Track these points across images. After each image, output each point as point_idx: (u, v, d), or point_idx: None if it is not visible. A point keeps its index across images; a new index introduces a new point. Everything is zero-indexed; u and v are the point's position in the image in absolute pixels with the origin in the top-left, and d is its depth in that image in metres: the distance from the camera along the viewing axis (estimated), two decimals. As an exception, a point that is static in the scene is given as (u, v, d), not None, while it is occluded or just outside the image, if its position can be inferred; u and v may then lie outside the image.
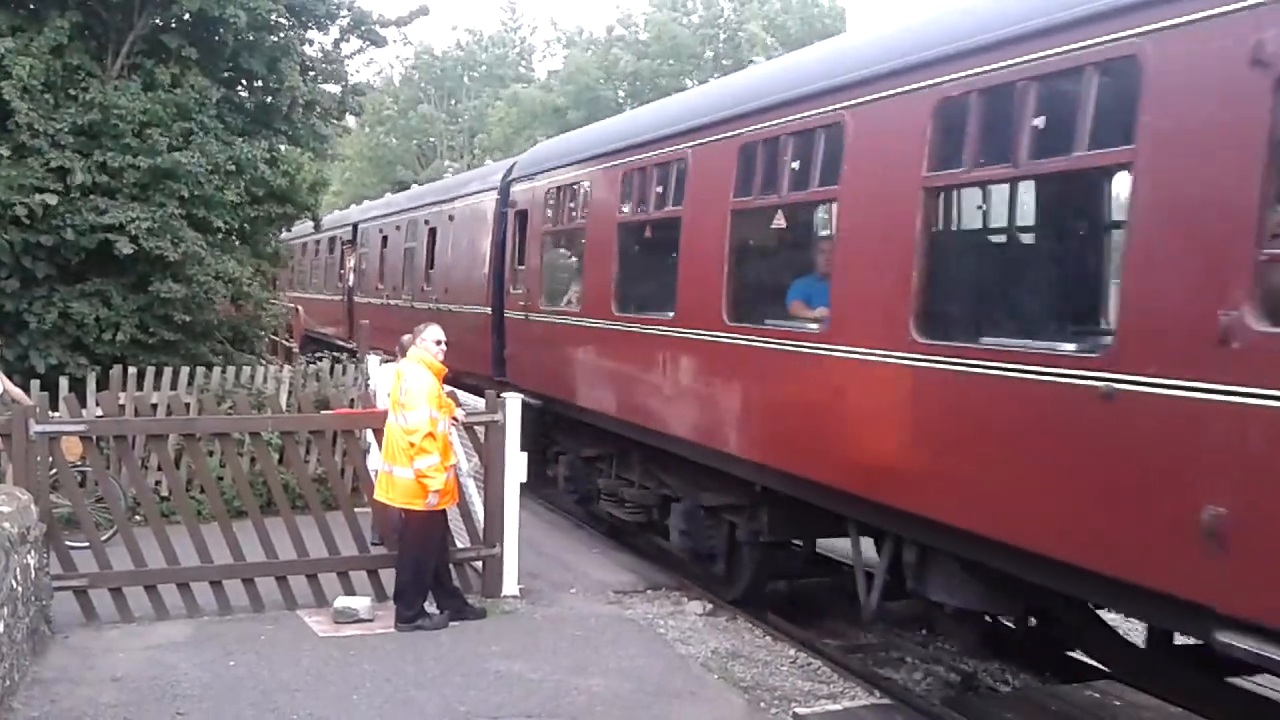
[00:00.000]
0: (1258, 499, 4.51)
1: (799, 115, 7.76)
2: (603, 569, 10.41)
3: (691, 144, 9.18)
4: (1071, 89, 5.53)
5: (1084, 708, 7.32)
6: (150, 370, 12.19)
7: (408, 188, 32.01)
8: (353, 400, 12.49)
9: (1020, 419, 5.80)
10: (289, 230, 17.87)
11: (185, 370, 12.39)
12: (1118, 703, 7.29)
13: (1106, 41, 5.29)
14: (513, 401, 9.26)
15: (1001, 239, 8.07)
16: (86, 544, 8.49)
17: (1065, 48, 5.52)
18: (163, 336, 13.16)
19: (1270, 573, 4.44)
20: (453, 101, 58.17)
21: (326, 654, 7.65)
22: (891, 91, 6.83)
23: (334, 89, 16.45)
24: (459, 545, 9.26)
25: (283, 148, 15.18)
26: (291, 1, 14.81)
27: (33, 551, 7.37)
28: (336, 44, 16.39)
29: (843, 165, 7.23)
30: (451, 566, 8.91)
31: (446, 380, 8.76)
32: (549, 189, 12.60)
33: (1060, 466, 5.53)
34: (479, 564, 9.28)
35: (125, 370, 12.01)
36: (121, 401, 10.61)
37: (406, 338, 9.25)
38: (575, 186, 11.95)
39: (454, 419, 8.83)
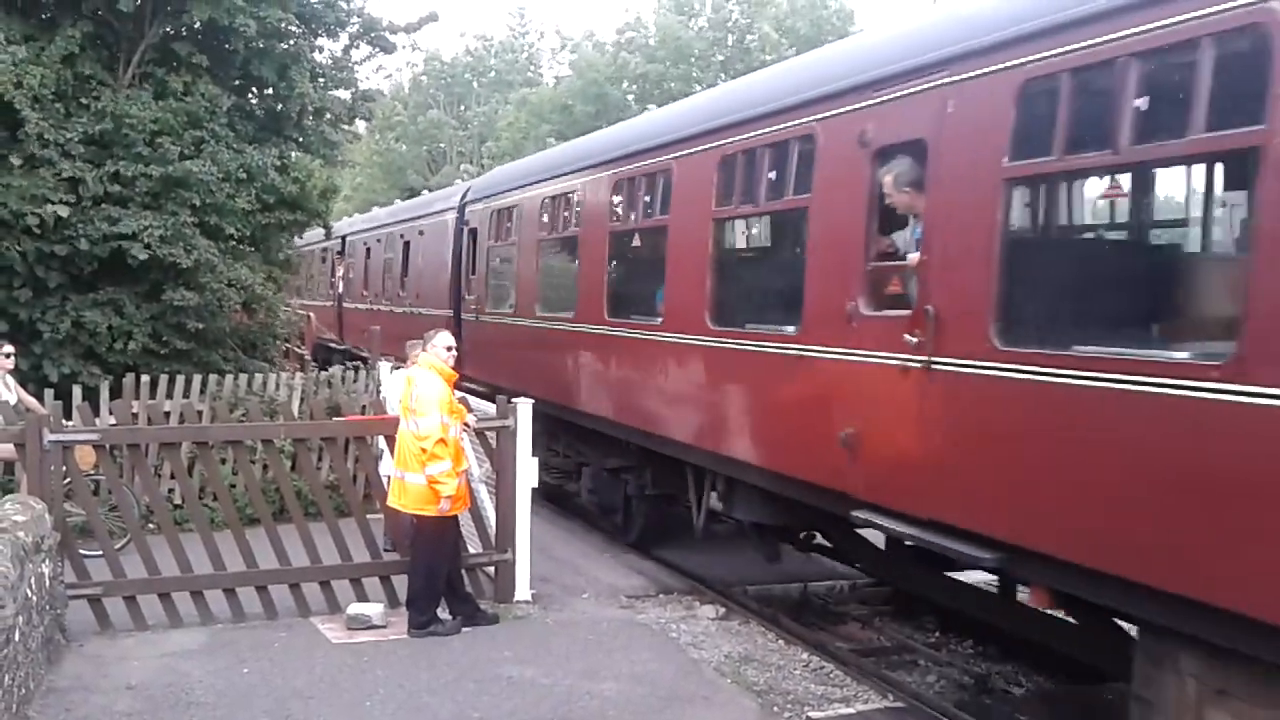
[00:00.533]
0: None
1: (647, 161, 10.45)
2: (614, 573, 10.42)
3: (581, 179, 11.90)
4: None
5: (1097, 709, 7.30)
6: (163, 378, 12.23)
7: (418, 194, 32.14)
8: (364, 407, 12.49)
9: (753, 379, 8.46)
10: (300, 237, 17.92)
11: (198, 378, 12.43)
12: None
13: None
14: (524, 407, 9.27)
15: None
16: (100, 552, 8.53)
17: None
18: (175, 345, 13.21)
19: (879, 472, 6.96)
20: (462, 107, 58.30)
21: (340, 661, 7.66)
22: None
23: (344, 95, 16.49)
24: (471, 551, 9.27)
25: (293, 155, 15.23)
26: (301, 9, 14.87)
27: (47, 560, 7.40)
28: (346, 51, 16.43)
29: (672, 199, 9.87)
30: (464, 572, 8.93)
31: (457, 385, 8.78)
32: (492, 210, 14.85)
33: (774, 408, 8.24)
34: (491, 569, 9.30)
35: (138, 379, 12.05)
36: (134, 410, 10.65)
37: (413, 344, 9.28)
38: (511, 209, 14.18)
39: (465, 425, 8.84)
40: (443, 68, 58.28)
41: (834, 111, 7.54)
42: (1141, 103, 5.20)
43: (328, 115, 16.07)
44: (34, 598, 6.83)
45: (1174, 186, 7.56)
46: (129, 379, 11.93)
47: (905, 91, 6.81)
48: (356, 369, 14.08)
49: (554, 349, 12.28)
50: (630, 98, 43.25)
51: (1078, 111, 5.58)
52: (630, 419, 10.60)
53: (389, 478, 8.98)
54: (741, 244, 10.46)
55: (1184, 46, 5.03)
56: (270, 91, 15.26)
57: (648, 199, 10.56)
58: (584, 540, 11.93)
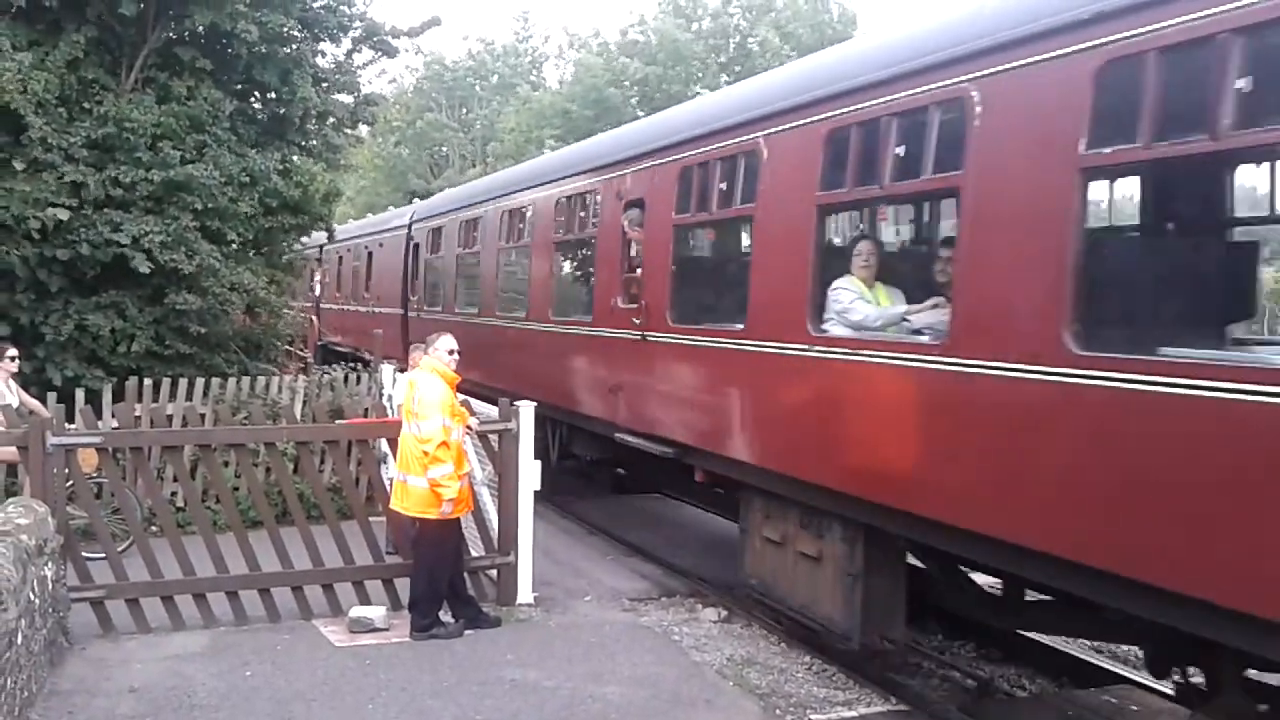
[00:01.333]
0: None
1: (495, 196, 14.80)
2: (616, 576, 10.41)
3: (489, 207, 15.21)
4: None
5: (1100, 712, 7.30)
6: (166, 381, 12.25)
7: (423, 197, 32.29)
8: (367, 410, 12.52)
9: (570, 353, 11.89)
10: (301, 243, 17.94)
11: (200, 381, 12.45)
12: (1135, 708, 7.27)
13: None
14: (526, 410, 9.27)
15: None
16: (103, 555, 8.54)
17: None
18: (178, 348, 13.22)
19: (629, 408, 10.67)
20: (464, 111, 58.34)
21: (342, 663, 7.67)
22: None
23: (346, 99, 16.51)
24: (473, 554, 9.27)
25: (296, 159, 15.24)
26: (304, 14, 14.89)
27: (50, 563, 7.42)
28: (349, 55, 16.47)
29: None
30: (466, 575, 8.93)
31: (460, 388, 8.79)
32: (429, 229, 18.50)
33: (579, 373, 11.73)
34: (493, 572, 9.30)
35: (141, 382, 12.07)
36: (137, 413, 10.65)
37: (416, 347, 9.29)
38: (440, 229, 17.78)
39: (468, 428, 8.85)
40: (445, 71, 58.32)
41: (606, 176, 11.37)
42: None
43: (330, 119, 16.10)
44: (36, 600, 6.84)
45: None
46: (131, 382, 11.95)
47: (636, 168, 10.62)
48: (358, 371, 14.09)
49: (474, 341, 14.23)
50: (633, 100, 43.26)
51: (700, 187, 9.31)
52: (513, 385, 12.75)
53: (392, 480, 8.98)
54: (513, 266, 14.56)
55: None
56: (273, 96, 15.28)
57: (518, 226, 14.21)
58: (586, 543, 11.93)
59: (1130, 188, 7.78)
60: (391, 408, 11.19)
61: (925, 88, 6.44)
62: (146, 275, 12.71)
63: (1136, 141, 5.11)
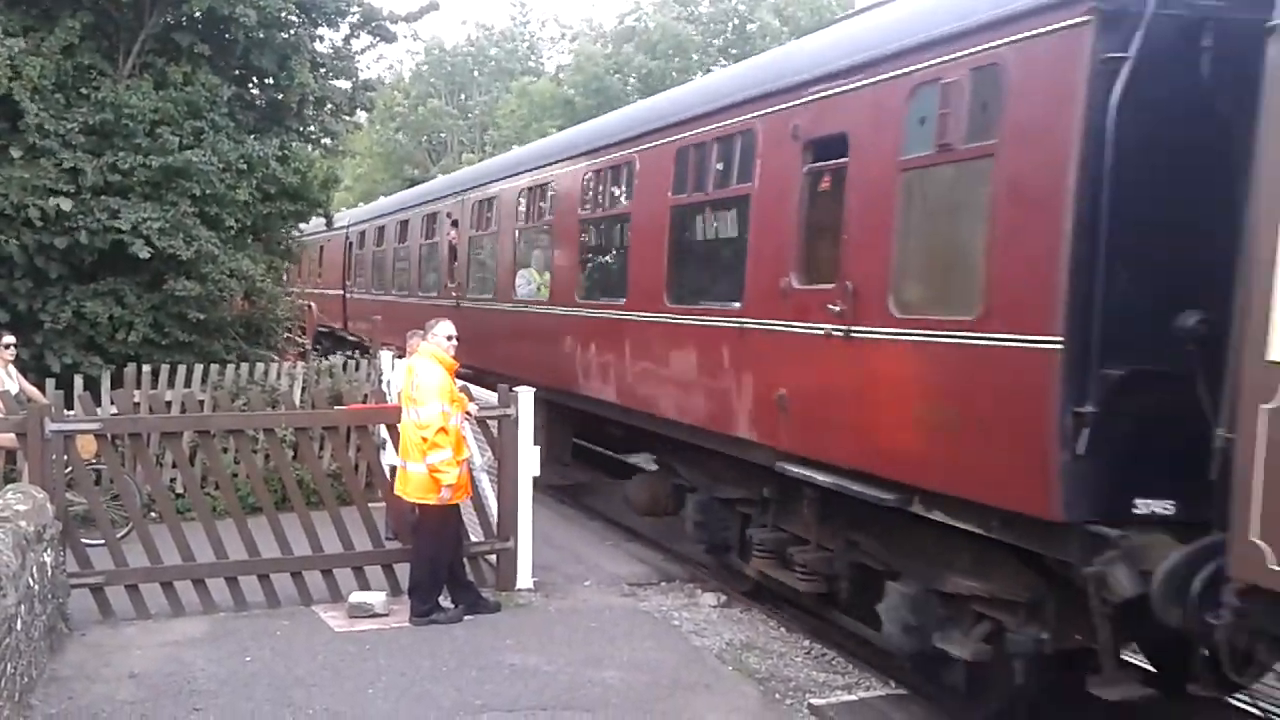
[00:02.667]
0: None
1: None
2: (616, 561, 10.42)
3: (385, 220, 21.56)
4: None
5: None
6: (164, 368, 12.24)
7: (419, 184, 32.24)
8: (366, 396, 12.51)
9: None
10: (300, 229, 17.87)
11: (199, 368, 12.44)
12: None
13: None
14: (525, 396, 9.26)
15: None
16: (102, 541, 8.54)
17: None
18: (176, 335, 13.19)
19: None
20: (463, 96, 58.16)
21: (342, 649, 7.68)
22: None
23: (345, 85, 16.43)
24: (473, 539, 9.27)
25: (294, 145, 15.18)
26: (301, -1, 14.81)
27: (49, 549, 7.42)
28: (347, 40, 16.34)
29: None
30: (466, 560, 8.94)
31: (459, 375, 8.79)
32: (360, 230, 23.99)
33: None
34: (493, 558, 9.30)
35: (139, 368, 12.06)
36: (136, 399, 10.64)
37: (414, 333, 9.27)
38: (365, 231, 23.44)
39: (467, 413, 8.84)
40: (443, 56, 58.10)
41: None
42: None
43: (328, 105, 16.01)
44: (36, 587, 6.84)
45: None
46: (130, 369, 11.94)
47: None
48: (357, 358, 14.08)
49: (378, 309, 21.03)
50: (634, 92, 43.15)
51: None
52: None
53: (392, 467, 8.98)
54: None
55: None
56: (271, 81, 15.18)
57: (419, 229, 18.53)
58: (585, 528, 11.94)
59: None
60: (390, 393, 11.18)
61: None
62: (145, 262, 12.67)
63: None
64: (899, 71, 6.75)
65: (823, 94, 7.58)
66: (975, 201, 6.20)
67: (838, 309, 7.11)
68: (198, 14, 13.53)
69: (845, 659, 7.99)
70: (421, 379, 8.25)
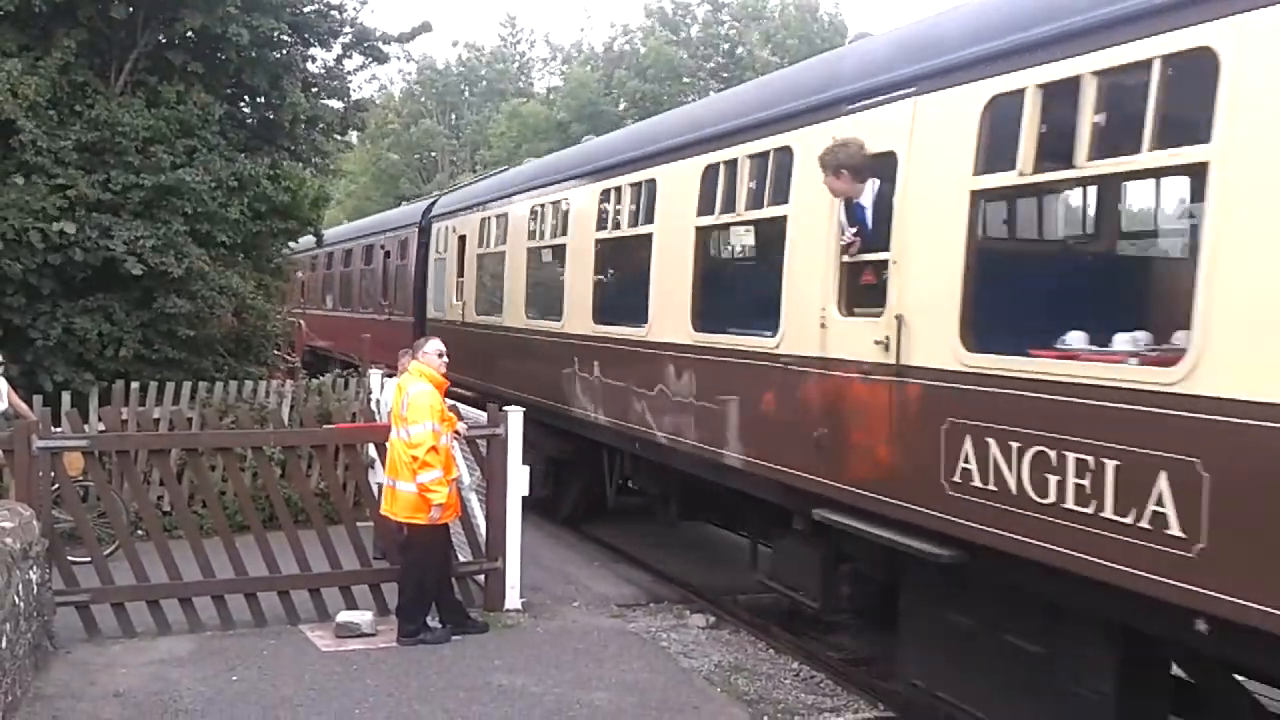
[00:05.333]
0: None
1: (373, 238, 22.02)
2: (604, 582, 10.40)
3: (360, 243, 23.53)
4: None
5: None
6: (153, 385, 12.20)
7: (411, 201, 32.37)
8: (355, 414, 12.49)
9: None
10: (289, 247, 17.88)
11: (188, 385, 12.40)
12: None
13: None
14: (515, 416, 9.26)
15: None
16: (89, 559, 8.49)
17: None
18: (166, 352, 13.16)
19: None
20: (454, 116, 58.35)
21: (329, 669, 7.64)
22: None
23: (337, 105, 16.48)
24: (461, 559, 9.26)
25: (285, 163, 15.20)
26: (294, 18, 14.85)
27: (35, 567, 7.38)
28: (339, 60, 16.41)
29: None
30: (454, 580, 8.91)
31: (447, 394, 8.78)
32: (316, 257, 26.32)
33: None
34: (481, 578, 9.28)
35: (128, 385, 12.02)
36: (124, 416, 10.62)
37: (405, 352, 9.27)
38: (316, 260, 26.41)
39: (456, 432, 8.84)
40: (435, 76, 58.32)
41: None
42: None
43: (320, 125, 16.05)
44: (21, 604, 6.80)
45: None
46: (119, 385, 11.90)
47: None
48: (346, 376, 14.07)
49: (335, 325, 24.04)
50: (624, 112, 43.36)
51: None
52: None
53: (380, 486, 8.96)
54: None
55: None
56: (262, 100, 15.23)
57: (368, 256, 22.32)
58: (574, 549, 11.91)
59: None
60: (379, 412, 11.17)
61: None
62: (135, 279, 12.65)
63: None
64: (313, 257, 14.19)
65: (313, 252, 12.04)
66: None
67: (339, 309, 18.60)
68: (190, 33, 13.59)
69: (834, 681, 7.99)
70: (412, 398, 8.24)
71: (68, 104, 12.92)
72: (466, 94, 58.74)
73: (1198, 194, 5.17)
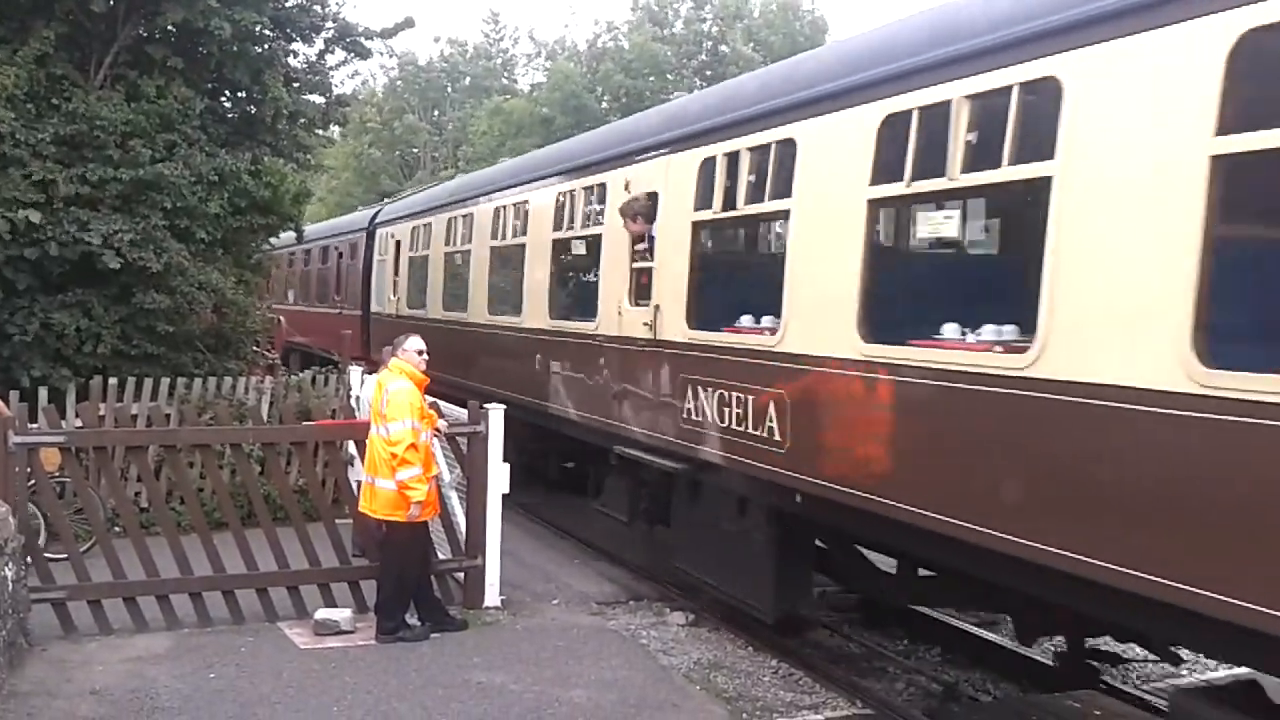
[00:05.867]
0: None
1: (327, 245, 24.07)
2: (585, 580, 10.41)
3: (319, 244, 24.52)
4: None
5: (1063, 717, 7.33)
6: (131, 381, 12.13)
7: (390, 195, 32.30)
8: (334, 411, 12.46)
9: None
10: (270, 243, 17.82)
11: (166, 381, 12.34)
12: (1097, 712, 7.30)
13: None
14: (495, 413, 9.25)
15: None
16: (65, 555, 8.44)
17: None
18: (145, 348, 13.09)
19: None
20: (436, 113, 58.20)
21: (307, 666, 7.62)
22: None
23: (318, 100, 16.42)
24: (440, 556, 9.24)
25: (266, 159, 15.13)
26: (276, 13, 14.79)
27: (10, 563, 7.33)
28: (321, 55, 16.37)
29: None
30: (433, 578, 8.90)
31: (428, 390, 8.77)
32: (294, 254, 26.11)
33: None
34: (460, 575, 9.27)
35: (106, 381, 11.95)
36: (101, 412, 10.56)
37: (386, 349, 9.25)
38: (291, 256, 26.34)
39: (436, 430, 8.82)
40: (417, 72, 58.15)
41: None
42: None
43: (301, 120, 16.00)
44: (-4, 601, 6.76)
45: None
46: (96, 381, 11.83)
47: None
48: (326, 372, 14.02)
49: (298, 319, 24.63)
50: (608, 108, 43.34)
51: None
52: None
53: (359, 483, 8.94)
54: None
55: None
56: (243, 95, 15.18)
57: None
58: (554, 546, 11.91)
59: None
60: (359, 409, 11.14)
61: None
62: (113, 274, 12.58)
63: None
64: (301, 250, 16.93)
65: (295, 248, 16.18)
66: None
67: (298, 303, 19.50)
68: (171, 27, 13.52)
69: (813, 679, 8.01)
70: (392, 395, 8.22)
71: (45, 97, 12.83)
72: (449, 90, 58.60)
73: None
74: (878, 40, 7.24)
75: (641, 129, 10.29)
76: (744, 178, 7.97)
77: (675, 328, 8.74)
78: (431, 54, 60.01)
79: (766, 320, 7.85)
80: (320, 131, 17.39)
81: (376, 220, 20.67)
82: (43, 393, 11.52)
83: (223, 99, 15.32)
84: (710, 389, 8.24)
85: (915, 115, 6.28)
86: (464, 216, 14.72)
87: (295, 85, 15.62)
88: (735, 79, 11.29)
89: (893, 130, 6.48)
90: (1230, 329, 4.85)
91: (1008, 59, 5.68)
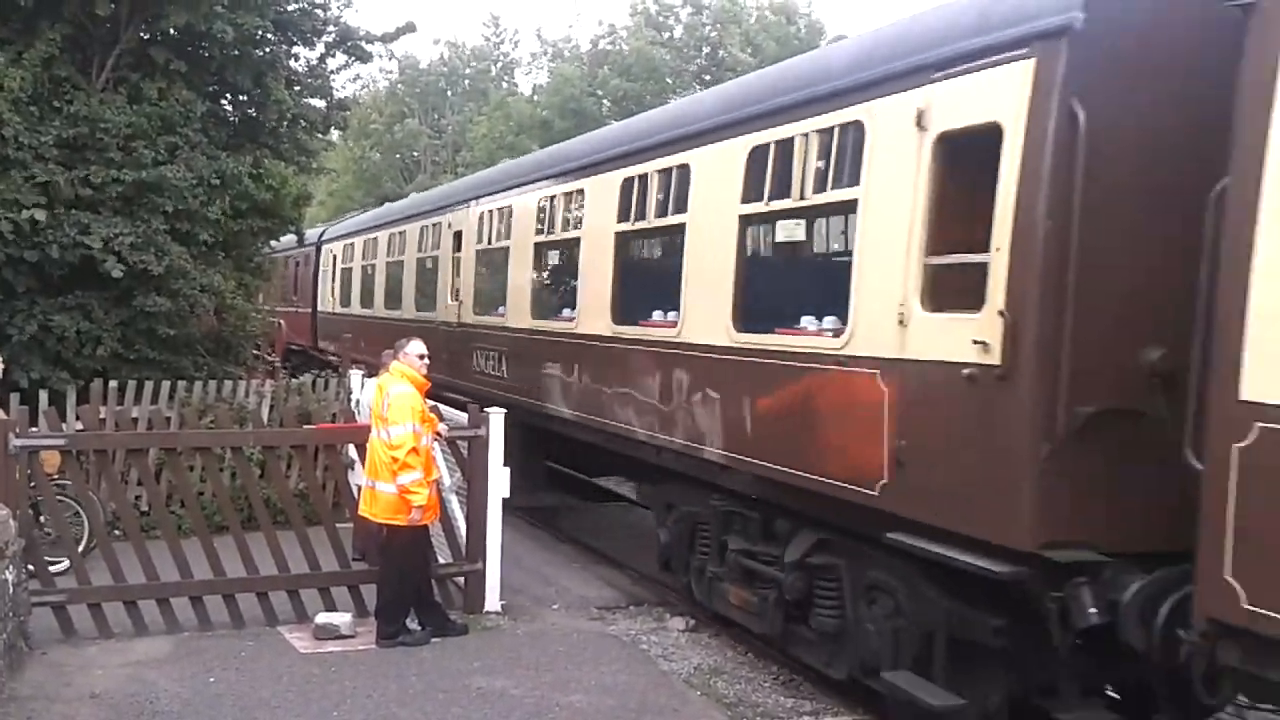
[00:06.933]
0: None
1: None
2: (585, 585, 10.40)
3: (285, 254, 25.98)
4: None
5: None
6: (131, 384, 12.12)
7: (390, 200, 32.35)
8: (335, 415, 12.45)
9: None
10: (271, 246, 17.81)
11: (166, 384, 12.33)
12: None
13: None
14: (496, 417, 9.25)
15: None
16: (65, 559, 8.43)
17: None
18: (145, 351, 13.07)
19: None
20: (436, 116, 58.19)
21: (307, 671, 7.61)
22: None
23: (319, 104, 16.43)
24: (441, 561, 9.23)
25: (267, 162, 15.13)
26: (278, 17, 14.80)
27: (10, 566, 7.32)
28: (322, 59, 16.38)
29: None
30: (433, 582, 8.89)
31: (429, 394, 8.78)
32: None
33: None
34: (461, 579, 9.26)
35: (106, 384, 11.94)
36: (102, 415, 10.54)
37: (387, 353, 9.25)
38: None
39: (437, 434, 8.82)
40: (417, 75, 58.14)
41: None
42: None
43: (302, 123, 16.01)
44: (-3, 604, 6.75)
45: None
46: (97, 384, 11.82)
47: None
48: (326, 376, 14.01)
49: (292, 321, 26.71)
50: (608, 111, 43.35)
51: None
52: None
53: (359, 487, 8.93)
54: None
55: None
56: (245, 98, 15.18)
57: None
58: (554, 551, 11.91)
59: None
60: (360, 412, 11.13)
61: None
62: (114, 277, 12.57)
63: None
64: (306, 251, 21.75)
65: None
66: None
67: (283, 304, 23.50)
68: (173, 30, 13.51)
69: (813, 685, 8.00)
70: (393, 399, 8.22)
71: (49, 99, 12.83)
72: (449, 94, 58.60)
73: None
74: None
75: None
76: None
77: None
78: (431, 57, 60.06)
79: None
80: (321, 135, 17.39)
81: (322, 238, 25.48)
82: (43, 395, 11.50)
83: (224, 102, 15.33)
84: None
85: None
86: (371, 240, 20.55)
87: (297, 89, 15.63)
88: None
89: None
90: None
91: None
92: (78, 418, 10.76)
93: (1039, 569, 5.59)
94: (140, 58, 13.76)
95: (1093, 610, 5.45)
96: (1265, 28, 4.69)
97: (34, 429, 8.69)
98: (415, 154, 56.91)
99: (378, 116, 55.04)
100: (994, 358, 5.70)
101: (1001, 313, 5.66)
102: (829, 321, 7.37)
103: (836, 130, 7.26)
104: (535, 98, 50.42)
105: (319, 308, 24.84)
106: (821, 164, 7.44)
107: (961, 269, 6.08)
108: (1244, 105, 4.77)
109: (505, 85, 57.50)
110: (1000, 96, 5.80)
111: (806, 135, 7.53)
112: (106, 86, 13.47)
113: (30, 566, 8.02)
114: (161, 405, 11.89)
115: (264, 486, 9.85)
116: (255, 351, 17.14)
